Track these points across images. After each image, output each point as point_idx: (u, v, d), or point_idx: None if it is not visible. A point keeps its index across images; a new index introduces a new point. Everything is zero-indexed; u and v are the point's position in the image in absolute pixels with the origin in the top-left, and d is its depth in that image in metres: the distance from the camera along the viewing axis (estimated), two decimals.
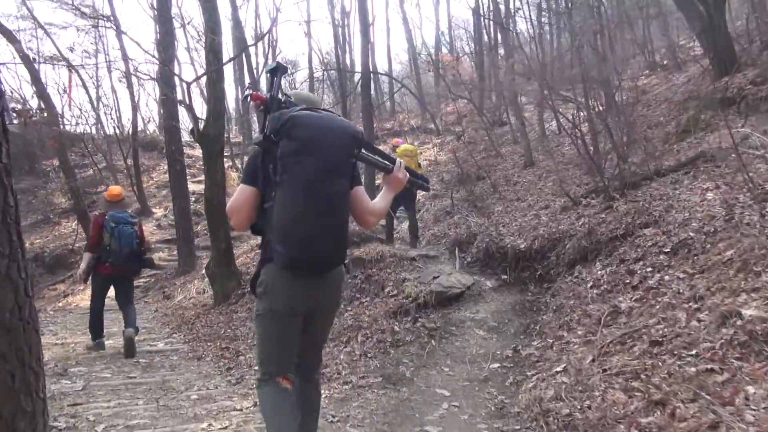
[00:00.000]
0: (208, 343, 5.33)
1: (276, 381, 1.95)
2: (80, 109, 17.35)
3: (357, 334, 4.68)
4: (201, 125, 6.92)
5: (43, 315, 7.72)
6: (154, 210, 13.96)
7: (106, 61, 18.20)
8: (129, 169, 14.46)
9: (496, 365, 3.88)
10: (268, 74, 2.06)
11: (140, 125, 18.88)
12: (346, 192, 1.99)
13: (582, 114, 7.24)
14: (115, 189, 5.23)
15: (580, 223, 5.36)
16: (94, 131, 17.50)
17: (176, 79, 10.13)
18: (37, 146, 15.02)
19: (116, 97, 30.21)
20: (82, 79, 16.59)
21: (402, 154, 6.89)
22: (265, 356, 2.01)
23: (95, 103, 17.56)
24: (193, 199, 14.39)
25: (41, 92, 13.07)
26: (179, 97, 11.29)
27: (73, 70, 15.82)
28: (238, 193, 1.96)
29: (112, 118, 17.71)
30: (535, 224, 6.23)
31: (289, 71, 2.34)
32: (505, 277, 5.79)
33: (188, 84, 6.88)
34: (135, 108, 15.03)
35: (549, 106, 8.56)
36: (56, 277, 11.23)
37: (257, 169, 1.95)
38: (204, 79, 8.14)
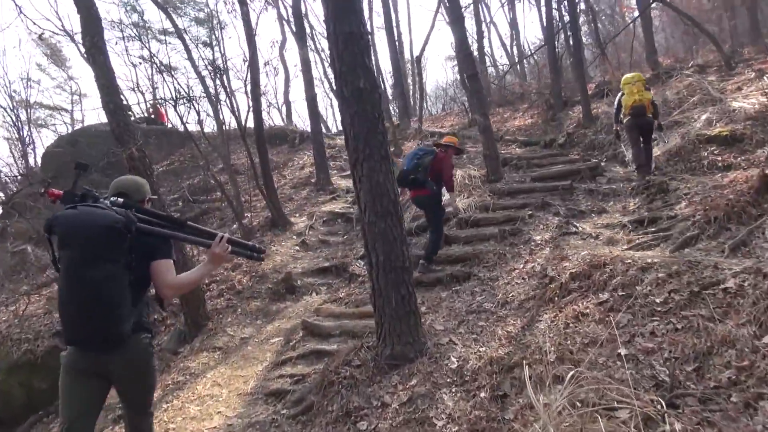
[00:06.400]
0: None
1: None
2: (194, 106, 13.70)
3: None
4: None
5: None
6: (293, 219, 9.57)
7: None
8: (255, 168, 10.33)
9: None
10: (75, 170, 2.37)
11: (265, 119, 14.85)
12: (114, 275, 2.19)
13: None
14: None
15: None
16: (213, 129, 14.23)
17: None
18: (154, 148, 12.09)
19: (235, 100, 27.25)
20: (199, 74, 13.30)
21: (624, 83, 6.52)
22: (60, 406, 2.32)
23: (213, 99, 14.08)
24: (349, 199, 9.94)
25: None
26: None
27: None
28: None
29: (231, 111, 13.79)
30: None
31: (88, 168, 2.39)
32: None
33: None
34: (256, 83, 10.61)
35: None
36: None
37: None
38: None
